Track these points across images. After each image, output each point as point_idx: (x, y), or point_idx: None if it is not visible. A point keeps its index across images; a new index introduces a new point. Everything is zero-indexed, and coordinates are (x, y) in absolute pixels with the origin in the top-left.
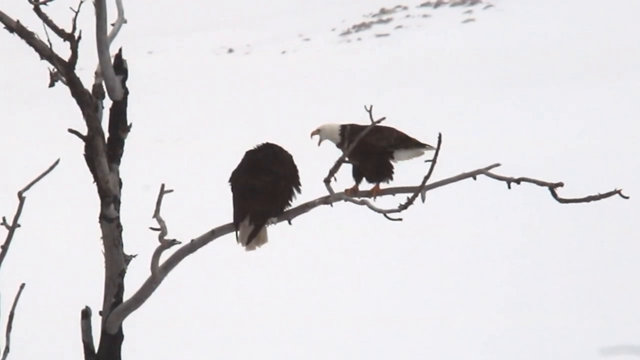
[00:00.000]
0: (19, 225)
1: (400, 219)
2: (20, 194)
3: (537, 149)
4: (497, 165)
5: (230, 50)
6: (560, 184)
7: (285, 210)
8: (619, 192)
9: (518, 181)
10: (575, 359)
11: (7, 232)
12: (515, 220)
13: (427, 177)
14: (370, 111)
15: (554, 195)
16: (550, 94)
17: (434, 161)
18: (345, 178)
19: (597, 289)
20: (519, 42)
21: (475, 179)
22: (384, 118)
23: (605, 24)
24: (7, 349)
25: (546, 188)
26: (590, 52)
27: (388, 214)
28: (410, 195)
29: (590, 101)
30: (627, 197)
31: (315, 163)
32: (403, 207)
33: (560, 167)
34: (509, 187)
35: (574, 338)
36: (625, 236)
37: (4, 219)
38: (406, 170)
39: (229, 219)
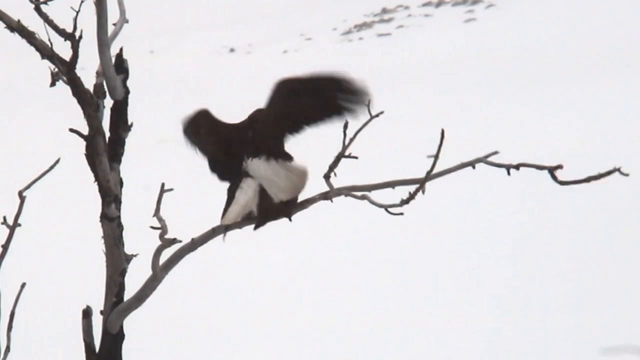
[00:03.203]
0: (19, 225)
1: (402, 214)
2: (20, 193)
3: (539, 148)
4: (496, 153)
5: (232, 50)
6: (560, 167)
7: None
8: (618, 169)
9: (517, 167)
10: (575, 359)
11: (7, 231)
12: (515, 220)
13: (429, 172)
14: (369, 105)
15: (554, 177)
16: (551, 93)
17: (436, 156)
18: (344, 173)
19: (597, 289)
20: (520, 41)
21: (474, 167)
22: (382, 112)
23: (606, 24)
24: (7, 349)
25: (548, 182)
26: (591, 52)
27: (389, 209)
28: (412, 190)
29: (592, 101)
30: (626, 174)
31: (315, 161)
32: (405, 201)
33: (563, 165)
34: (509, 173)
35: (574, 338)
36: (625, 236)
37: (4, 218)
38: (406, 166)
39: None
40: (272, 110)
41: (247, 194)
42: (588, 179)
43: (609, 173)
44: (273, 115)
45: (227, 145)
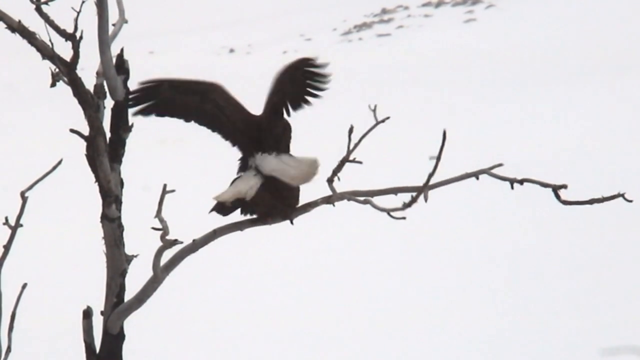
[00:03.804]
0: (21, 225)
1: (404, 218)
2: (22, 194)
3: (539, 149)
4: (500, 165)
5: (232, 51)
6: (564, 186)
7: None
8: (622, 195)
9: (521, 182)
10: (575, 359)
11: (9, 232)
12: (515, 221)
13: (431, 175)
14: (374, 110)
15: (557, 196)
16: (552, 94)
17: (438, 159)
18: (345, 174)
19: (597, 289)
20: (520, 42)
21: (477, 178)
22: (388, 118)
23: (606, 24)
24: (9, 349)
25: (548, 190)
26: (591, 52)
27: (392, 213)
28: (414, 194)
29: (592, 101)
30: (630, 201)
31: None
32: (407, 205)
33: (562, 167)
34: (512, 188)
35: (574, 338)
36: (625, 236)
37: (6, 218)
38: (406, 167)
39: (231, 219)
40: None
41: (246, 184)
42: (591, 201)
43: (612, 197)
44: (268, 111)
45: (241, 132)
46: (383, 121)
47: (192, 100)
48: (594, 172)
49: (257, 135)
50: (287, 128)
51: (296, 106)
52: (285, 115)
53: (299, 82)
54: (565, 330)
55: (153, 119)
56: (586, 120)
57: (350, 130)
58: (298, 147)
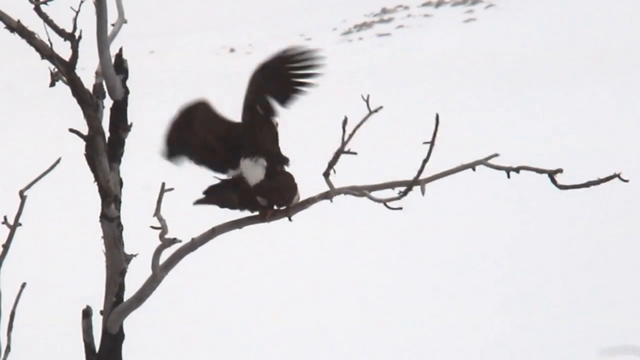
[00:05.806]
0: (20, 225)
1: (401, 208)
2: (21, 193)
3: (539, 149)
4: (496, 155)
5: (232, 50)
6: (560, 170)
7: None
8: (618, 175)
9: (517, 170)
10: (574, 359)
11: (8, 231)
12: (515, 220)
13: (425, 161)
14: (367, 101)
15: (554, 182)
16: (552, 94)
17: (432, 143)
18: (344, 171)
19: (597, 289)
20: (520, 41)
21: (474, 169)
22: (381, 107)
23: (606, 24)
24: (8, 348)
25: (547, 183)
26: (592, 52)
27: (388, 203)
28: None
29: (593, 101)
30: (626, 180)
31: (314, 161)
32: (403, 194)
33: (562, 167)
34: (509, 177)
35: (573, 338)
36: (625, 236)
37: (5, 218)
38: (406, 166)
39: (229, 217)
40: (246, 107)
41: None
42: (588, 184)
43: (608, 178)
44: (247, 110)
45: (224, 142)
46: (376, 111)
47: (189, 133)
48: (594, 172)
49: (239, 142)
50: (267, 127)
51: (286, 99)
52: (267, 114)
53: (284, 75)
54: (565, 330)
55: (152, 116)
56: (586, 120)
57: (345, 122)
58: (298, 147)
